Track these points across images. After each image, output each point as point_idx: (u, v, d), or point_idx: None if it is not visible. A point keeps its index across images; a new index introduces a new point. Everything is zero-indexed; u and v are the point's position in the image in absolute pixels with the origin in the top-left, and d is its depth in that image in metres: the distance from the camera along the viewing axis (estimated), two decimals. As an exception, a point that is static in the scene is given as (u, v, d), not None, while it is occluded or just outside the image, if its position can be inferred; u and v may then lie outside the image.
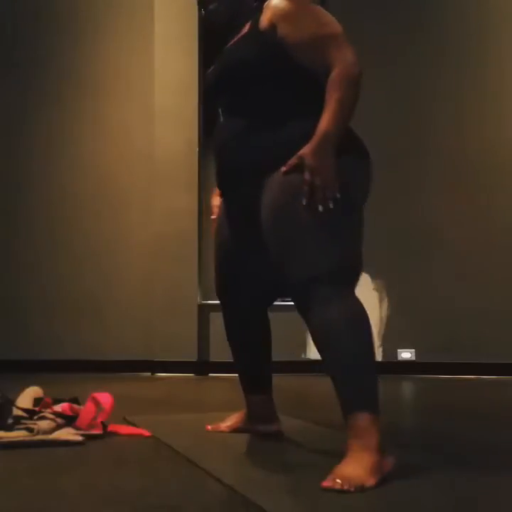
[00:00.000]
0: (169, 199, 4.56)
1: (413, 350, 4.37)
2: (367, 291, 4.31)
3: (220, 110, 1.90)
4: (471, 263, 4.45)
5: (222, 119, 1.89)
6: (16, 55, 4.77)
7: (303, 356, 4.35)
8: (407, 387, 3.87)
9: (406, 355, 4.34)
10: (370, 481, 1.41)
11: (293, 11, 1.71)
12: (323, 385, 3.82)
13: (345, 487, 1.37)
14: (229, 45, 1.89)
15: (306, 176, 1.58)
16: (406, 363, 4.35)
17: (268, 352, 2.17)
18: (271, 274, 1.78)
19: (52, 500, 1.36)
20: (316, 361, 4.16)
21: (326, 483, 1.39)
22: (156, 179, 4.59)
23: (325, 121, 1.60)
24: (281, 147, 1.69)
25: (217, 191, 2.08)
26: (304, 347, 4.33)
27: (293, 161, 1.62)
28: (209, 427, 2.18)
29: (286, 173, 1.63)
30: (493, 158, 4.53)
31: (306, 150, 1.60)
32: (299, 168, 1.60)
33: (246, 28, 1.83)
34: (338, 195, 1.58)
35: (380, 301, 4.45)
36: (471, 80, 4.58)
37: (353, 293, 1.65)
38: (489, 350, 4.30)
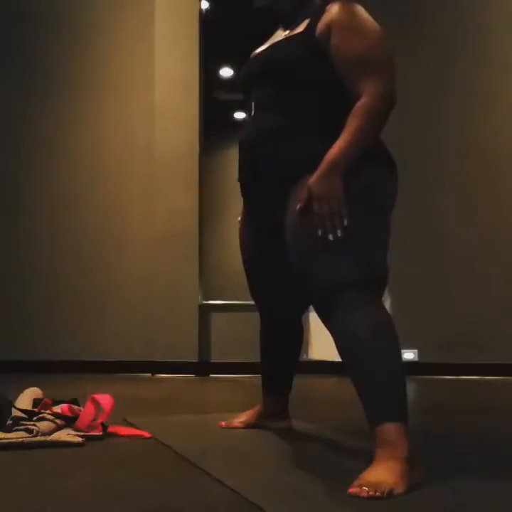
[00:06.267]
0: (170, 199, 4.55)
1: (416, 350, 4.36)
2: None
3: (252, 103, 1.84)
4: (473, 264, 4.44)
5: (253, 112, 1.83)
6: (17, 54, 4.76)
7: (304, 357, 4.33)
8: (410, 388, 3.85)
9: (409, 355, 4.33)
10: (400, 488, 1.35)
11: (349, 24, 1.65)
12: (324, 386, 3.84)
13: (371, 493, 1.32)
14: (283, 38, 1.83)
15: (315, 207, 1.56)
16: (409, 363, 4.34)
17: (294, 358, 2.17)
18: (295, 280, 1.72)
19: (52, 501, 1.34)
20: (317, 362, 4.20)
21: (352, 490, 1.34)
22: (157, 179, 4.58)
23: (335, 149, 1.57)
24: (309, 156, 1.64)
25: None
26: (305, 348, 4.31)
27: (303, 194, 1.59)
28: (223, 424, 2.20)
29: (301, 210, 1.59)
30: (499, 160, 4.52)
31: (311, 180, 1.57)
32: (309, 200, 1.58)
33: (303, 26, 1.75)
34: (346, 223, 1.55)
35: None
36: (477, 81, 4.58)
37: (379, 301, 1.62)
38: (492, 351, 4.30)
